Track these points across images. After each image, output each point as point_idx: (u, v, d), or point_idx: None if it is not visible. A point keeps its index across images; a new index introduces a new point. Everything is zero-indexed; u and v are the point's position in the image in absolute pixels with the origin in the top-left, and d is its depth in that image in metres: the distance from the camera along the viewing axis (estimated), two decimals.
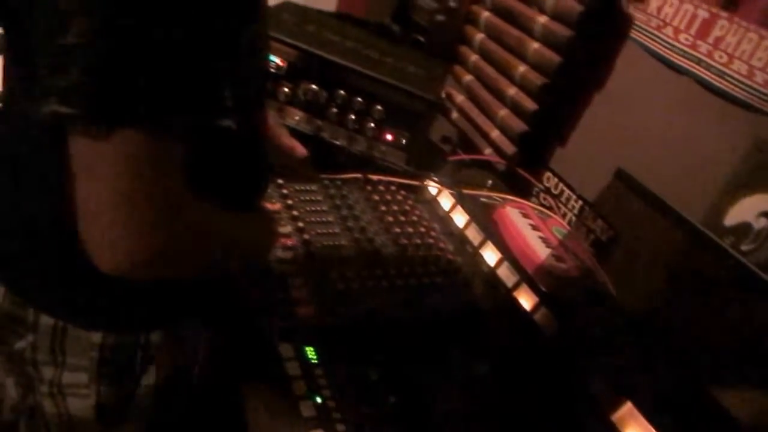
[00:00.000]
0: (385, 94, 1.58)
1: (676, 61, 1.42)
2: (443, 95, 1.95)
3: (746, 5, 1.27)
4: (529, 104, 1.72)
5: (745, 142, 1.28)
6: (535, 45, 1.71)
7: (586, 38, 1.60)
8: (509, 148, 1.80)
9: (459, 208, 1.56)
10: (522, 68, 1.76)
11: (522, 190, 1.81)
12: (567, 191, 1.73)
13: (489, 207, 1.62)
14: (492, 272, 1.38)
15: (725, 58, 1.31)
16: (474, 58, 2.02)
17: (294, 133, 1.54)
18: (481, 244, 1.44)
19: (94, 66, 0.59)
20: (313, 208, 1.44)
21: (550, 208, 1.75)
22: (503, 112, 1.83)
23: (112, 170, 0.62)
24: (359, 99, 1.58)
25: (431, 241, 1.45)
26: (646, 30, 1.51)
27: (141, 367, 0.93)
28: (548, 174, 1.80)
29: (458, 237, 1.50)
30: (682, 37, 1.41)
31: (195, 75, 0.65)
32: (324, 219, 1.42)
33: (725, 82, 1.32)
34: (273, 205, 1.39)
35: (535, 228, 1.49)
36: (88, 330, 0.87)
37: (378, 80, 1.57)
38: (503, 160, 1.82)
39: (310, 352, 1.05)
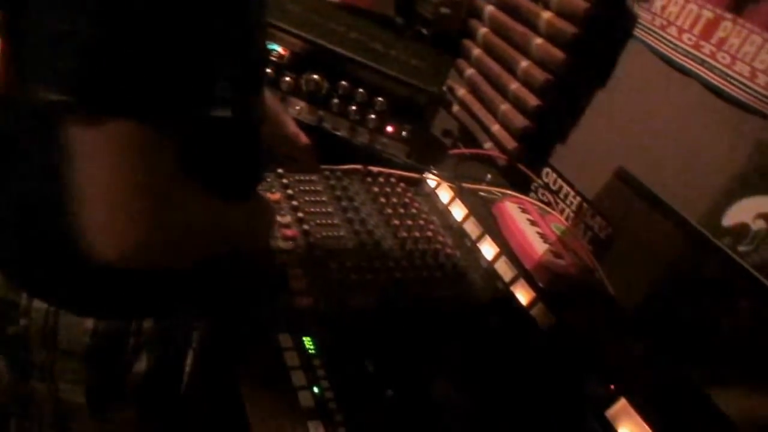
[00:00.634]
0: (388, 86, 1.59)
1: (679, 61, 1.43)
2: (445, 88, 1.95)
3: (751, 8, 1.27)
4: (532, 100, 1.72)
5: (745, 144, 1.29)
6: (539, 41, 1.71)
7: (590, 36, 1.60)
8: (510, 143, 1.80)
9: (458, 201, 1.57)
10: (525, 63, 1.76)
11: (521, 185, 1.81)
12: (566, 187, 1.73)
13: (488, 201, 1.62)
14: (490, 266, 1.39)
15: (728, 60, 1.32)
16: (477, 51, 2.01)
17: (296, 123, 1.55)
18: (480, 237, 1.45)
19: (87, 54, 0.60)
20: (313, 199, 1.45)
21: (548, 204, 1.75)
22: (505, 107, 1.83)
23: (104, 158, 0.63)
24: (361, 90, 1.58)
25: (430, 234, 1.45)
26: (650, 29, 1.51)
27: (133, 353, 0.94)
28: (548, 170, 1.80)
29: (457, 230, 1.51)
30: (685, 36, 1.41)
31: (187, 65, 0.65)
32: (324, 210, 1.42)
33: (727, 84, 1.32)
34: (274, 195, 1.40)
35: (533, 223, 1.50)
36: (80, 316, 0.87)
37: (381, 72, 1.57)
38: (503, 154, 1.83)
39: (309, 342, 1.06)
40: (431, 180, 1.67)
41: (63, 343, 0.88)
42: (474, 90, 2.02)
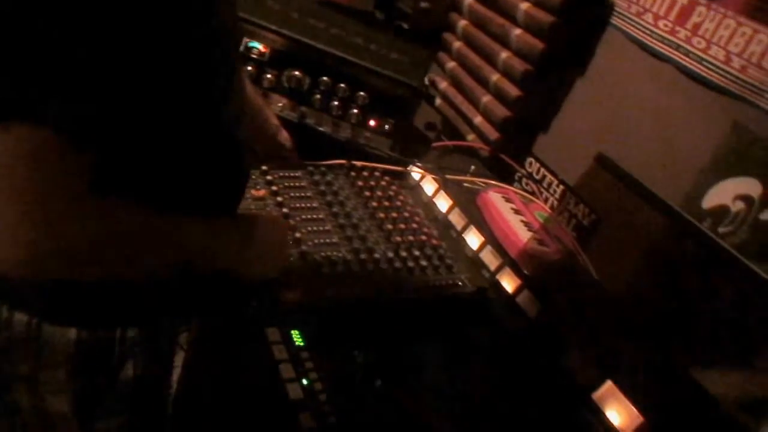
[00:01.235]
0: (369, 80, 1.60)
1: (655, 47, 1.44)
2: (427, 82, 1.96)
3: None
4: (513, 90, 1.74)
5: (723, 127, 1.31)
6: (518, 31, 1.72)
7: (568, 24, 1.62)
8: (492, 134, 1.81)
9: (443, 193, 1.57)
10: (505, 54, 1.77)
11: (505, 175, 1.83)
12: (549, 176, 1.75)
13: (472, 192, 1.63)
14: (475, 256, 1.40)
15: (703, 44, 1.33)
16: (457, 44, 2.02)
17: (278, 120, 1.55)
18: (465, 228, 1.46)
19: None
20: (298, 195, 1.45)
21: (533, 194, 1.77)
22: (486, 98, 1.84)
23: (5, 166, 0.61)
24: (343, 85, 1.59)
25: (415, 225, 1.46)
26: (626, 16, 1.53)
27: (118, 362, 0.93)
28: (531, 159, 1.82)
29: (442, 222, 1.52)
30: (661, 23, 1.43)
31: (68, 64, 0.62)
32: (309, 205, 1.43)
33: (703, 68, 1.34)
34: (258, 192, 1.40)
35: (517, 212, 1.51)
36: (63, 326, 0.87)
37: (362, 67, 1.58)
38: (486, 145, 1.84)
39: (296, 335, 1.06)
40: (415, 173, 1.67)
41: (47, 354, 0.88)
42: (456, 83, 2.03)
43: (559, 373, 1.14)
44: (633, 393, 1.05)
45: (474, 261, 1.40)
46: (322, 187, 1.50)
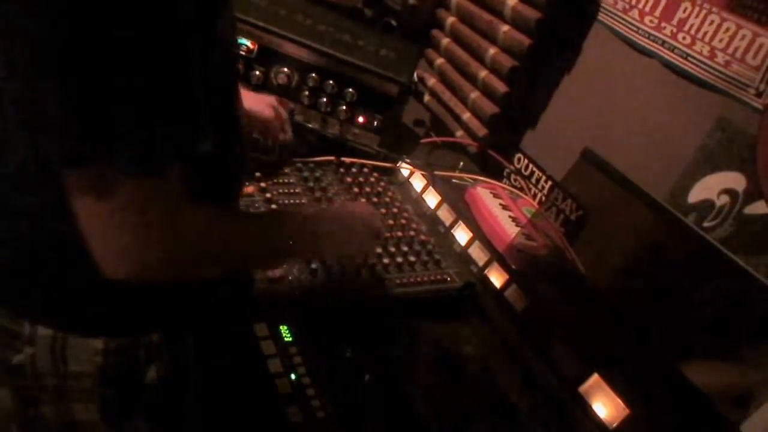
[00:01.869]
0: (358, 77, 1.60)
1: (641, 42, 1.45)
2: (416, 78, 1.96)
3: None
4: (500, 86, 1.74)
5: (708, 122, 1.32)
6: (505, 28, 1.73)
7: (555, 21, 1.62)
8: (481, 131, 1.82)
9: (431, 189, 1.58)
10: (492, 51, 1.78)
11: (493, 171, 1.83)
12: (537, 172, 1.75)
13: (460, 188, 1.64)
14: (464, 251, 1.41)
15: (688, 40, 1.34)
16: (446, 41, 2.03)
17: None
18: (453, 224, 1.47)
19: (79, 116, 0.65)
20: (287, 191, 1.45)
21: (520, 189, 1.78)
22: (474, 95, 1.85)
23: (118, 203, 0.69)
24: (331, 82, 1.59)
25: (404, 221, 1.46)
26: (613, 12, 1.54)
27: (143, 366, 0.95)
28: (519, 155, 1.82)
29: (430, 217, 1.53)
30: (647, 19, 1.44)
31: (178, 109, 0.70)
32: (298, 201, 1.43)
33: (688, 63, 1.35)
34: (247, 188, 1.40)
35: (505, 208, 1.52)
36: (90, 337, 0.88)
37: (350, 63, 1.58)
38: (475, 142, 1.84)
39: (285, 330, 1.07)
40: (404, 169, 1.68)
41: (74, 365, 0.89)
42: (444, 79, 2.04)
43: (546, 367, 1.15)
44: (619, 386, 1.07)
45: (462, 256, 1.40)
46: (311, 183, 1.50)
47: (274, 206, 1.37)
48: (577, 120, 1.66)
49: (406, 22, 2.13)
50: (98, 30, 0.61)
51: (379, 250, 1.33)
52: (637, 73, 1.49)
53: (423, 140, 1.89)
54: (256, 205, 1.36)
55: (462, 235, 1.44)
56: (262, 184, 1.43)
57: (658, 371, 1.14)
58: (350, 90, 1.60)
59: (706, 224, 1.29)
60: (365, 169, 1.62)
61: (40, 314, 0.87)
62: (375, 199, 1.51)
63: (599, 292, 1.30)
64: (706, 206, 1.30)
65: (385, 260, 1.31)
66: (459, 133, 1.92)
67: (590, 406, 1.07)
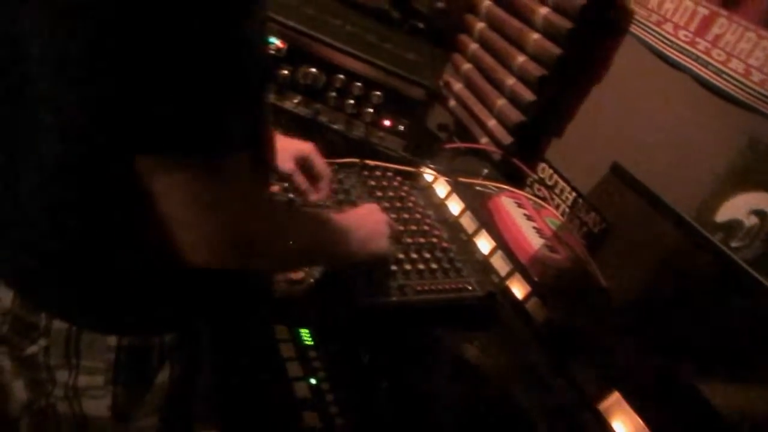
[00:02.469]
0: (385, 80, 1.59)
1: (674, 57, 1.44)
2: (441, 83, 1.95)
3: (747, 4, 1.28)
4: (527, 95, 1.73)
5: (739, 140, 1.30)
6: (535, 36, 1.71)
7: (586, 31, 1.61)
8: (505, 138, 1.81)
9: (454, 195, 1.57)
10: (521, 59, 1.76)
11: (517, 180, 1.82)
12: (561, 183, 1.74)
13: (484, 196, 1.63)
14: (485, 260, 1.40)
15: (723, 56, 1.33)
16: (473, 46, 2.02)
17: (292, 116, 1.56)
18: (476, 232, 1.46)
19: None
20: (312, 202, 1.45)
21: (544, 199, 1.76)
22: (501, 102, 1.84)
23: (192, 190, 0.73)
24: (359, 84, 1.59)
25: (426, 228, 1.45)
26: (646, 25, 1.52)
27: (156, 365, 0.95)
28: (543, 165, 1.81)
29: (453, 224, 1.52)
30: (681, 33, 1.42)
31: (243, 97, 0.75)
32: (321, 203, 1.43)
33: (722, 80, 1.33)
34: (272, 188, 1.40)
35: (529, 218, 1.51)
36: (104, 334, 0.88)
37: (378, 66, 1.58)
38: (499, 149, 1.83)
39: (305, 334, 1.07)
40: (428, 174, 1.67)
41: (87, 360, 0.89)
42: (470, 85, 2.03)
43: (565, 381, 1.14)
44: (639, 405, 1.05)
45: (484, 265, 1.39)
46: (334, 185, 1.49)
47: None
48: (604, 132, 1.65)
49: (432, 25, 2.12)
50: (171, 19, 0.64)
51: (400, 255, 1.32)
52: (667, 87, 1.47)
53: (447, 146, 1.89)
54: None
55: (484, 243, 1.43)
56: (285, 184, 1.43)
57: (679, 392, 1.13)
58: (376, 93, 1.59)
59: (733, 244, 1.27)
60: (389, 173, 1.61)
61: (58, 307, 0.88)
62: (398, 204, 1.50)
63: (621, 308, 1.29)
64: (734, 226, 1.28)
65: (406, 266, 1.30)
66: (483, 139, 1.91)
67: (609, 424, 1.06)
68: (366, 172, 1.59)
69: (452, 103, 2.09)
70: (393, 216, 1.43)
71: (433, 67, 1.73)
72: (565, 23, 1.62)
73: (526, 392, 1.13)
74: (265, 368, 1.02)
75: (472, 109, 1.98)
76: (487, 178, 1.73)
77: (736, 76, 1.30)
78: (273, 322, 1.07)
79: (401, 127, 1.63)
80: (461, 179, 1.64)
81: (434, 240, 1.42)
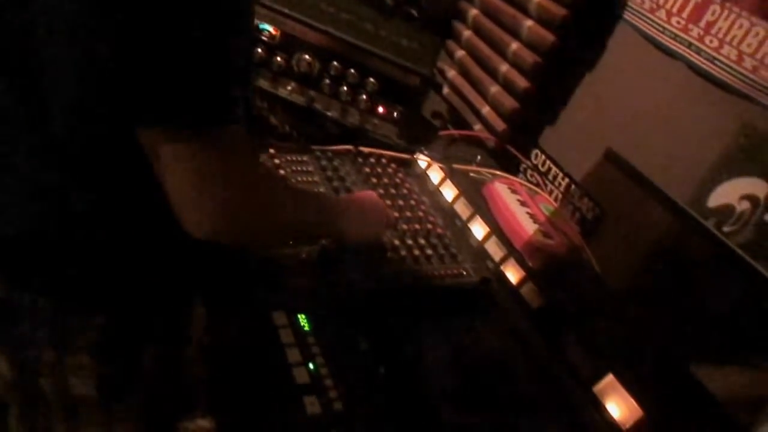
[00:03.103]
0: (379, 67, 1.59)
1: (667, 44, 1.44)
2: (435, 70, 1.95)
3: None
4: (521, 82, 1.74)
5: (732, 126, 1.31)
6: (529, 23, 1.72)
7: (580, 18, 1.61)
8: (499, 125, 1.81)
9: (448, 182, 1.58)
10: (515, 46, 1.77)
11: (511, 166, 1.83)
12: (554, 169, 1.75)
13: (478, 182, 1.64)
14: (480, 246, 1.41)
15: (716, 43, 1.33)
16: (467, 33, 2.02)
17: (286, 103, 1.56)
18: (470, 218, 1.47)
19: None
20: (304, 179, 1.45)
21: (537, 186, 1.77)
22: (495, 89, 1.84)
23: (186, 161, 0.74)
24: (353, 71, 1.58)
25: (421, 214, 1.46)
26: (639, 12, 1.52)
27: (142, 344, 0.95)
28: (537, 152, 1.82)
29: (447, 211, 1.52)
30: (674, 20, 1.43)
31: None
32: (315, 190, 1.43)
33: (715, 67, 1.34)
34: None
35: (523, 204, 1.52)
36: (89, 313, 0.89)
37: (372, 53, 1.57)
38: (493, 136, 1.84)
39: (303, 320, 1.07)
40: (422, 161, 1.68)
41: (72, 340, 0.90)
42: (464, 72, 2.03)
43: (561, 365, 1.16)
44: (633, 387, 1.07)
45: (478, 251, 1.41)
46: (329, 173, 1.50)
47: None
48: (597, 119, 1.66)
49: (427, 12, 2.12)
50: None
51: (396, 242, 1.33)
52: (661, 74, 1.48)
53: (441, 133, 1.89)
54: None
55: (479, 229, 1.44)
56: (281, 171, 1.43)
57: (673, 374, 1.14)
58: (371, 80, 1.59)
59: (725, 229, 1.28)
60: (383, 160, 1.62)
61: (43, 286, 0.88)
62: (393, 191, 1.51)
63: (615, 292, 1.30)
64: (726, 211, 1.30)
65: (402, 252, 1.31)
66: (477, 126, 1.92)
67: (604, 406, 1.08)
68: (360, 160, 1.60)
69: (446, 90, 2.10)
70: (388, 203, 1.44)
71: (428, 55, 1.73)
72: (559, 10, 1.62)
73: (522, 376, 1.15)
74: (264, 354, 1.03)
75: (466, 96, 1.98)
76: (481, 164, 1.74)
77: (729, 62, 1.31)
78: (271, 308, 1.07)
79: (396, 115, 1.63)
80: (455, 166, 1.64)
81: (429, 226, 1.43)
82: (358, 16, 1.69)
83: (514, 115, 1.77)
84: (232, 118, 0.75)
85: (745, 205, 1.27)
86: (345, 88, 1.60)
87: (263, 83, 1.63)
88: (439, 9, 2.10)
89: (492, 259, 1.37)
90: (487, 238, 1.41)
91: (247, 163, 0.81)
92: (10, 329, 0.90)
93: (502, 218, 1.46)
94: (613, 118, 1.60)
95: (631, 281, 1.32)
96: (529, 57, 1.71)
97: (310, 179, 1.46)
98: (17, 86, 0.78)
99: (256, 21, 1.56)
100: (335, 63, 1.58)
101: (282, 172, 1.43)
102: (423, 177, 1.65)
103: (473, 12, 1.99)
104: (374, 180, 1.53)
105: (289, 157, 1.50)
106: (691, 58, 1.39)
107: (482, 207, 1.50)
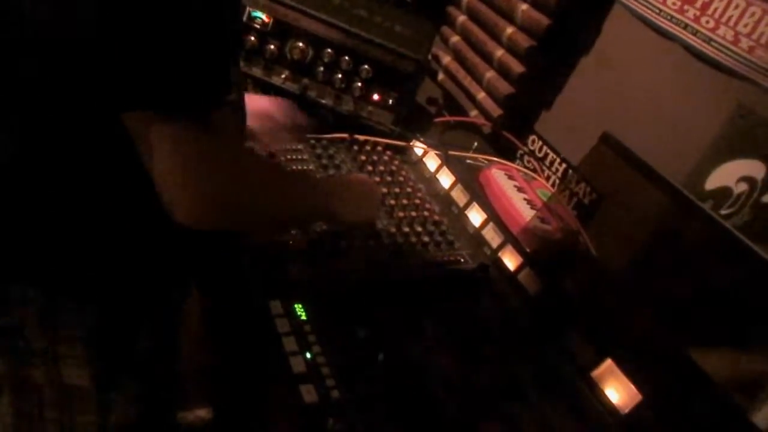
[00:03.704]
0: (373, 53, 1.58)
1: (663, 25, 1.43)
2: (430, 56, 1.94)
3: None
4: (516, 66, 1.72)
5: (728, 108, 1.30)
6: (524, 6, 1.70)
7: (574, 0, 1.60)
8: (495, 111, 1.80)
9: (445, 169, 1.57)
10: (510, 30, 1.75)
11: (507, 152, 1.82)
12: (551, 154, 1.74)
13: (474, 168, 1.63)
14: (477, 233, 1.40)
15: (712, 24, 1.32)
16: (461, 18, 2.00)
17: (280, 92, 1.54)
18: (467, 204, 1.46)
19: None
20: (300, 167, 1.44)
21: (534, 171, 1.76)
22: (490, 74, 1.83)
23: (174, 145, 0.72)
24: (347, 58, 1.57)
25: (417, 201, 1.46)
26: None
27: (135, 333, 0.95)
28: (533, 137, 1.81)
29: (444, 198, 1.52)
30: (670, 1, 1.41)
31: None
32: (306, 171, 1.42)
33: (711, 48, 1.33)
34: None
35: (520, 190, 1.51)
36: (82, 302, 0.88)
37: (366, 40, 1.56)
38: (489, 122, 1.83)
39: (299, 309, 1.07)
40: (418, 148, 1.67)
41: (64, 329, 0.89)
42: (459, 58, 2.01)
43: (559, 351, 1.15)
44: (632, 371, 1.06)
45: (476, 238, 1.40)
46: (324, 161, 1.49)
47: None
48: (594, 103, 1.65)
49: None
50: None
51: (392, 229, 1.32)
52: (657, 56, 1.47)
53: (437, 119, 1.88)
54: None
55: (476, 216, 1.43)
56: (275, 160, 1.42)
57: (671, 358, 1.14)
58: (365, 67, 1.58)
59: (723, 211, 1.28)
60: (378, 147, 1.61)
61: (33, 276, 0.87)
62: (389, 178, 1.50)
63: (613, 276, 1.30)
64: (723, 193, 1.29)
65: (399, 240, 1.31)
66: (473, 112, 1.91)
67: (602, 391, 1.07)
68: (356, 147, 1.59)
69: (441, 76, 2.08)
70: (384, 190, 1.43)
71: (422, 40, 1.71)
72: None
73: (520, 362, 1.14)
74: (261, 343, 1.02)
75: (461, 82, 1.97)
76: (477, 151, 1.73)
77: (725, 43, 1.30)
78: (267, 297, 1.06)
79: (390, 101, 1.62)
80: (451, 152, 1.63)
81: (426, 213, 1.42)
82: (352, 2, 1.67)
83: (509, 101, 1.76)
84: (214, 100, 0.74)
85: (743, 187, 1.27)
86: (339, 75, 1.59)
87: (256, 71, 1.61)
88: None
89: (489, 246, 1.37)
90: (484, 224, 1.40)
91: (236, 147, 0.80)
92: (0, 320, 0.89)
93: (498, 204, 1.46)
94: (610, 102, 1.59)
95: (629, 265, 1.31)
96: (524, 41, 1.70)
97: (305, 168, 1.45)
98: None
99: (249, 9, 1.54)
100: (329, 50, 1.56)
101: (276, 161, 1.42)
102: (419, 164, 1.64)
103: None
104: (370, 168, 1.52)
105: (284, 146, 1.49)
106: (687, 40, 1.38)
107: (479, 193, 1.50)
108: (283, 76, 1.61)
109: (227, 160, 0.77)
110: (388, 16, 1.69)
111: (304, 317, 1.05)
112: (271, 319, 1.03)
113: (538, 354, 1.16)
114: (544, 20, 1.64)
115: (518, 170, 1.68)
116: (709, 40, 1.33)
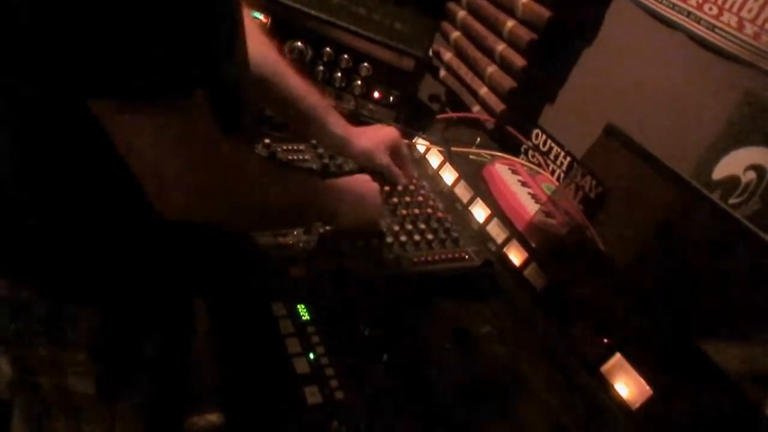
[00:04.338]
0: (373, 51, 1.57)
1: (665, 14, 1.41)
2: (431, 53, 1.92)
3: None
4: (518, 60, 1.71)
5: (735, 96, 1.28)
6: None
7: None
8: (498, 106, 1.78)
9: (448, 165, 1.55)
10: (511, 23, 1.74)
11: (511, 147, 1.80)
12: (556, 148, 1.72)
13: (478, 164, 1.61)
14: (482, 229, 1.39)
15: (715, 11, 1.30)
16: (462, 14, 1.99)
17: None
18: (471, 201, 1.44)
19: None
20: (301, 167, 1.43)
21: (539, 165, 1.75)
22: (491, 69, 1.81)
23: (154, 134, 0.70)
24: (347, 56, 1.56)
25: (421, 198, 1.44)
26: None
27: (140, 340, 0.94)
28: (537, 131, 1.79)
29: (448, 194, 1.50)
30: None
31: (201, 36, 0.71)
32: (308, 172, 1.41)
33: (715, 35, 1.31)
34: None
35: (524, 184, 1.49)
36: (85, 308, 0.87)
37: (366, 37, 1.55)
38: (492, 117, 1.81)
39: (302, 310, 1.06)
40: (420, 145, 1.65)
41: (69, 336, 0.89)
42: (460, 53, 2.00)
43: (567, 346, 1.14)
44: (641, 365, 1.05)
45: (480, 234, 1.38)
46: (326, 160, 1.48)
47: None
48: (597, 95, 1.63)
49: None
50: None
51: (396, 227, 1.31)
52: (660, 45, 1.45)
53: (439, 116, 1.86)
54: None
55: (480, 212, 1.41)
56: (277, 160, 1.41)
57: (681, 351, 1.12)
58: (365, 65, 1.57)
59: (731, 201, 1.26)
60: None
61: (37, 281, 0.86)
62: None
63: (621, 270, 1.28)
64: (731, 183, 1.27)
65: (402, 238, 1.29)
66: (476, 108, 1.89)
67: (612, 386, 1.06)
68: None
69: (443, 73, 2.07)
70: (387, 188, 1.42)
71: (423, 37, 1.70)
72: None
73: (528, 359, 1.13)
74: (264, 345, 1.01)
75: (463, 78, 1.95)
76: (480, 146, 1.71)
77: (729, 30, 1.27)
78: (270, 299, 1.05)
79: (392, 99, 1.61)
80: (455, 149, 1.62)
81: (429, 211, 1.41)
82: (350, 0, 1.66)
83: (512, 95, 1.75)
84: (183, 87, 0.70)
85: (751, 176, 1.25)
86: (339, 74, 1.58)
87: None
88: None
89: (494, 242, 1.35)
90: (488, 220, 1.39)
91: (206, 133, 0.75)
92: (7, 326, 0.89)
93: (503, 200, 1.44)
94: (614, 93, 1.57)
95: (637, 258, 1.29)
96: (525, 34, 1.68)
97: (307, 167, 1.44)
98: None
99: (246, 9, 1.53)
100: (328, 49, 1.55)
101: (278, 160, 1.41)
102: (422, 161, 1.63)
103: None
104: None
105: (285, 147, 1.48)
106: (691, 27, 1.36)
107: (483, 189, 1.48)
108: None
109: (200, 146, 0.74)
110: (387, 14, 1.68)
111: (307, 318, 1.04)
112: (274, 321, 1.02)
113: (547, 350, 1.14)
114: (545, 12, 1.62)
115: (522, 165, 1.66)
116: (713, 27, 1.31)
